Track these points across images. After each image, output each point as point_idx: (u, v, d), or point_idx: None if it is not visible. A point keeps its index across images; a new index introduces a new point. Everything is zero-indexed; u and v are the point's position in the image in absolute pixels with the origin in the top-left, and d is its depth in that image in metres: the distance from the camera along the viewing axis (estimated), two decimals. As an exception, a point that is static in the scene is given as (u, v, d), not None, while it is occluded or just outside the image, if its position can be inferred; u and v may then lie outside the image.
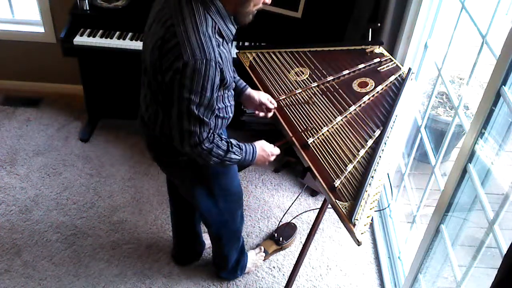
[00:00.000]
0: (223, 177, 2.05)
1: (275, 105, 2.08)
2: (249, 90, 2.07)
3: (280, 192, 3.06)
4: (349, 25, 2.77)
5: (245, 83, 2.09)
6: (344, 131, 2.04)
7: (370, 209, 1.78)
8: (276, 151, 1.95)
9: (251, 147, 1.85)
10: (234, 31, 1.68)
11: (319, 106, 2.16)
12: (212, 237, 2.35)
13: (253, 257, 2.60)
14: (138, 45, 2.84)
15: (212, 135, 1.71)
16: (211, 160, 1.74)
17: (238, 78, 2.08)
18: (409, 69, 2.31)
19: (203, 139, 1.67)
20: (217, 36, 1.60)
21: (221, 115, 1.79)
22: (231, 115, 1.87)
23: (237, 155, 1.78)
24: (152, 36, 1.66)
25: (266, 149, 1.91)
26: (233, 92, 1.86)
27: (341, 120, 2.09)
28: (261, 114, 2.08)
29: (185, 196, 2.17)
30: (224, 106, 1.80)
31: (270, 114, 2.08)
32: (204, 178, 1.98)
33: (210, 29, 1.57)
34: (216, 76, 1.58)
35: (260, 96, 2.06)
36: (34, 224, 2.75)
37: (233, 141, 1.78)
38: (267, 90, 2.23)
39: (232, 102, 1.86)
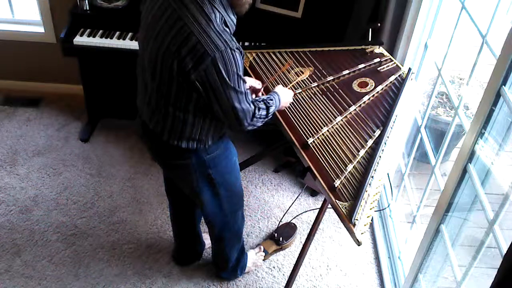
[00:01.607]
0: (228, 176, 2.06)
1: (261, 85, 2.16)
2: None
3: (280, 192, 3.06)
4: (349, 25, 2.77)
5: None
6: (344, 131, 2.04)
7: (370, 209, 1.78)
8: (291, 92, 2.11)
9: (275, 94, 1.98)
10: (235, 21, 1.73)
11: (319, 106, 2.16)
12: (214, 237, 2.34)
13: (253, 257, 2.60)
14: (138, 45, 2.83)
15: (256, 101, 1.83)
16: (261, 123, 1.87)
17: None
18: (409, 69, 2.31)
19: (254, 109, 1.79)
20: (224, 27, 1.65)
21: None
22: None
23: (273, 106, 1.91)
24: (160, 38, 1.65)
25: (286, 92, 2.06)
26: None
27: (341, 120, 2.09)
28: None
29: (192, 198, 2.17)
30: None
31: (260, 94, 2.15)
32: (211, 177, 1.99)
33: (219, 20, 1.63)
34: (242, 59, 1.68)
35: (247, 80, 2.12)
36: (34, 224, 2.75)
37: (263, 97, 1.92)
38: (267, 90, 2.23)
39: None
